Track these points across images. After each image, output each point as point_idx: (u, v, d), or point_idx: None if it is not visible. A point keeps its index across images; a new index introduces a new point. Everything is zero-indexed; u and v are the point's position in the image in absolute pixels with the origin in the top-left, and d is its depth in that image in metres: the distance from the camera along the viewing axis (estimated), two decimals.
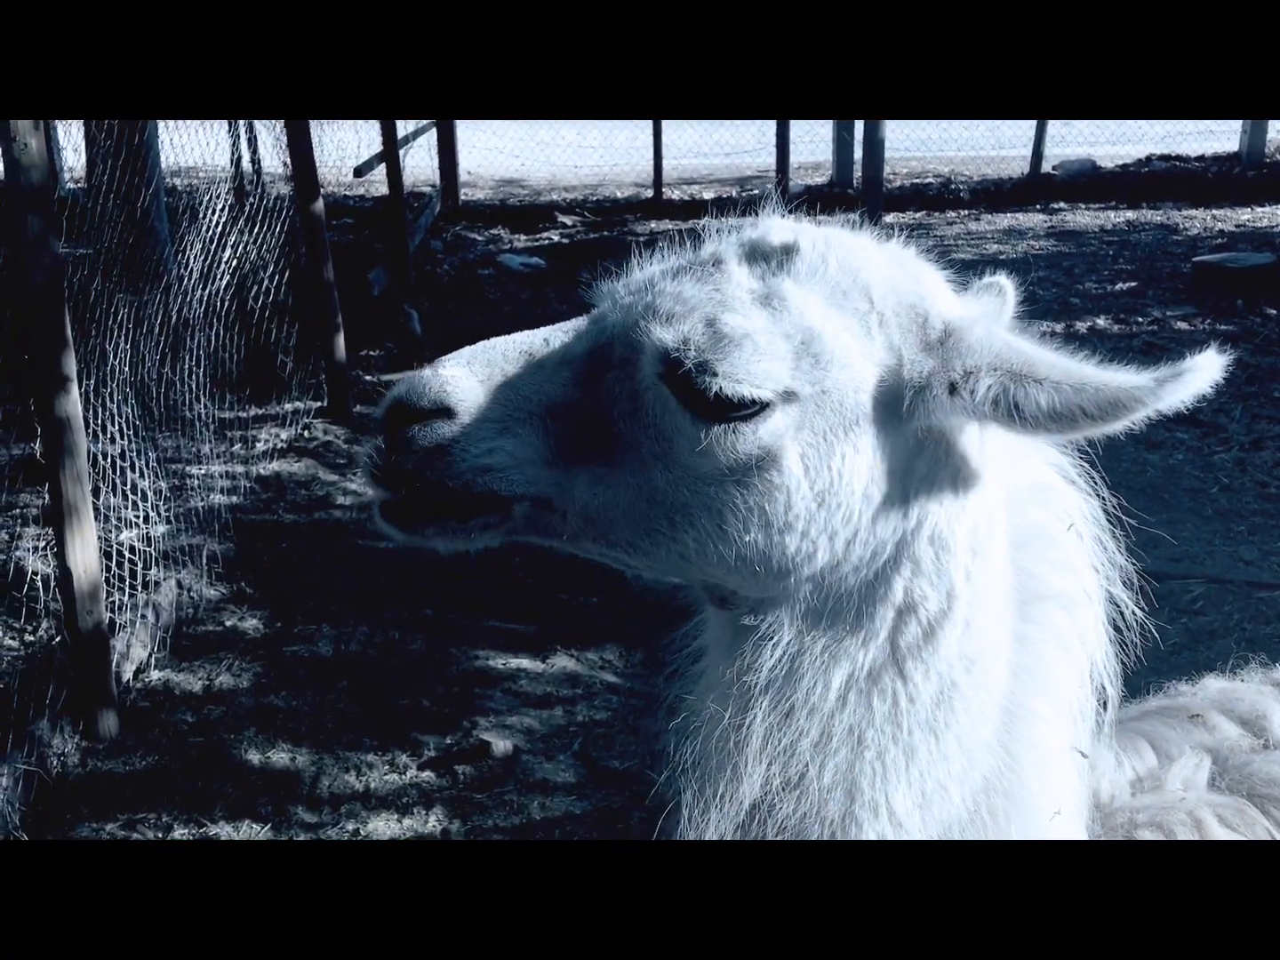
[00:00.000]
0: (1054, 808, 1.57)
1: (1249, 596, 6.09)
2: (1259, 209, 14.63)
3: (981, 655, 1.56)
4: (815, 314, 1.51)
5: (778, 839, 1.54)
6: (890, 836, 1.53)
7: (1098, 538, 1.65)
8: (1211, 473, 7.67)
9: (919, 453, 1.54)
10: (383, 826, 4.62)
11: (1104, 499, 1.66)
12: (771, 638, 1.56)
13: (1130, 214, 14.93)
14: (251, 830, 4.60)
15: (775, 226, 1.62)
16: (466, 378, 1.56)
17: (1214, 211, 14.68)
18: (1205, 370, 1.39)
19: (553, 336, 1.61)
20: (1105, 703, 1.65)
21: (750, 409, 1.48)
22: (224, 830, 4.61)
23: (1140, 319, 10.78)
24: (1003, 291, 1.85)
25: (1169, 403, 1.40)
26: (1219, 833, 1.70)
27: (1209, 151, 16.90)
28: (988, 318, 1.58)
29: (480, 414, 1.55)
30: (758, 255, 1.58)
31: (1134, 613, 1.64)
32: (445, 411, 1.55)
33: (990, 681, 1.57)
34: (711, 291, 1.54)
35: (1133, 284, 11.90)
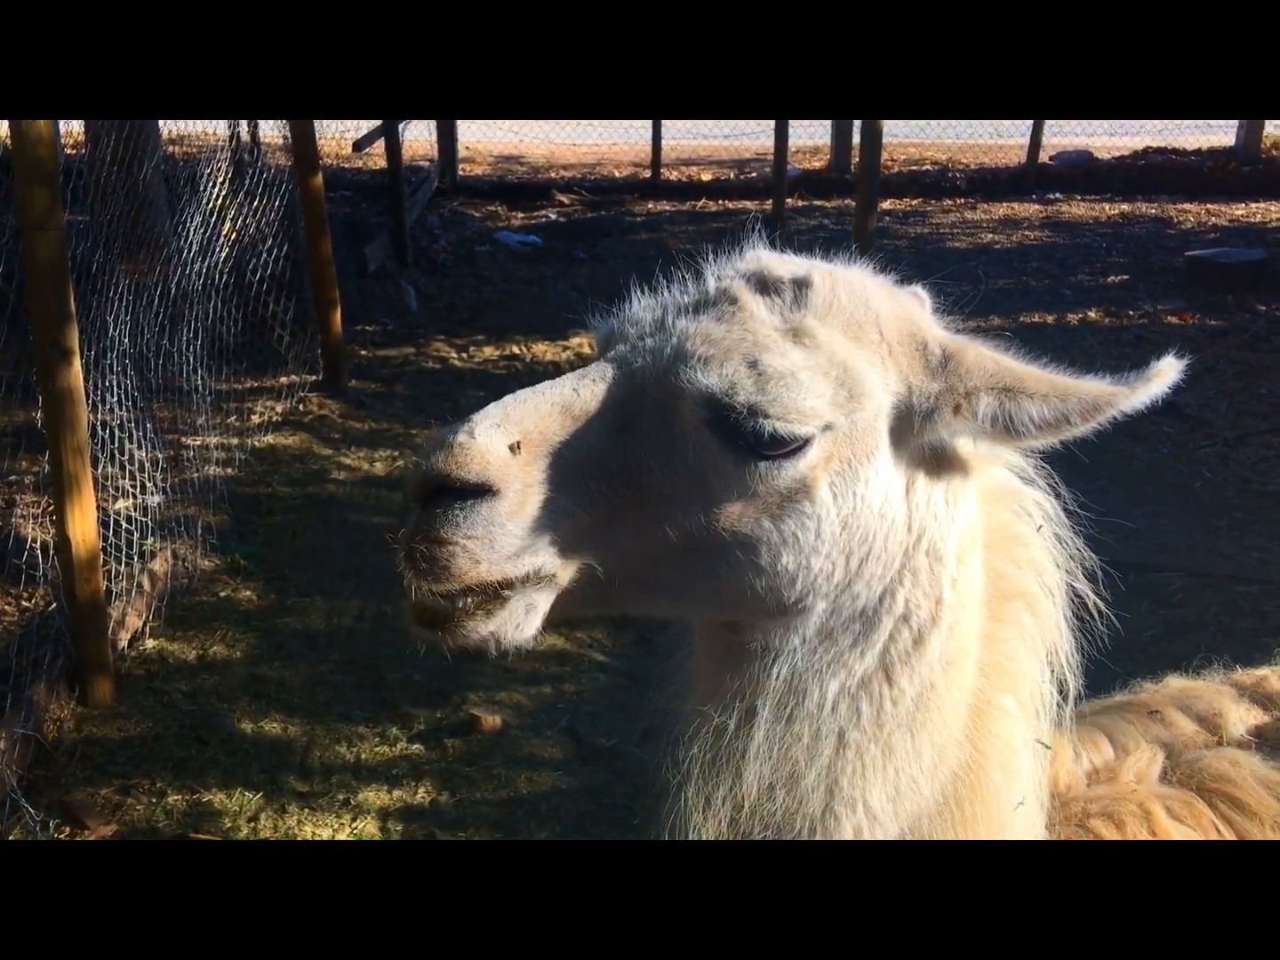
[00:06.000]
0: (1016, 799, 1.67)
1: (1228, 590, 6.21)
2: (1253, 204, 14.71)
3: (958, 657, 1.66)
4: (843, 348, 1.57)
5: (763, 836, 1.63)
6: (865, 828, 1.63)
7: (1059, 535, 1.75)
8: (1195, 467, 7.78)
9: (920, 470, 1.64)
10: (373, 797, 4.72)
11: (1063, 497, 1.76)
12: (780, 656, 1.62)
13: (1125, 206, 14.99)
14: (244, 798, 4.70)
15: (772, 260, 1.68)
16: (501, 443, 1.51)
17: (1208, 206, 14.75)
18: (1167, 373, 1.57)
19: (581, 386, 1.59)
20: (1066, 695, 1.76)
21: (793, 445, 1.53)
22: (217, 797, 4.71)
23: (1131, 312, 10.87)
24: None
25: (1138, 404, 1.56)
26: (1167, 824, 1.80)
27: (1205, 145, 16.95)
28: (972, 340, 1.67)
29: (523, 488, 1.51)
30: (769, 290, 1.62)
31: (1096, 604, 1.74)
32: (487, 490, 1.50)
33: (962, 681, 1.67)
34: (741, 331, 1.56)
35: (1125, 277, 11.98)
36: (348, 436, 8.39)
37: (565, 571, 1.56)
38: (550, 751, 5.02)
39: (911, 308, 1.70)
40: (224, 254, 7.98)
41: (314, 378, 9.05)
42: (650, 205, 15.61)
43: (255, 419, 8.26)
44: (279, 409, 8.52)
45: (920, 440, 1.62)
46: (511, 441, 1.52)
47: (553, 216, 15.01)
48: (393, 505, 7.31)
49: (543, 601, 1.57)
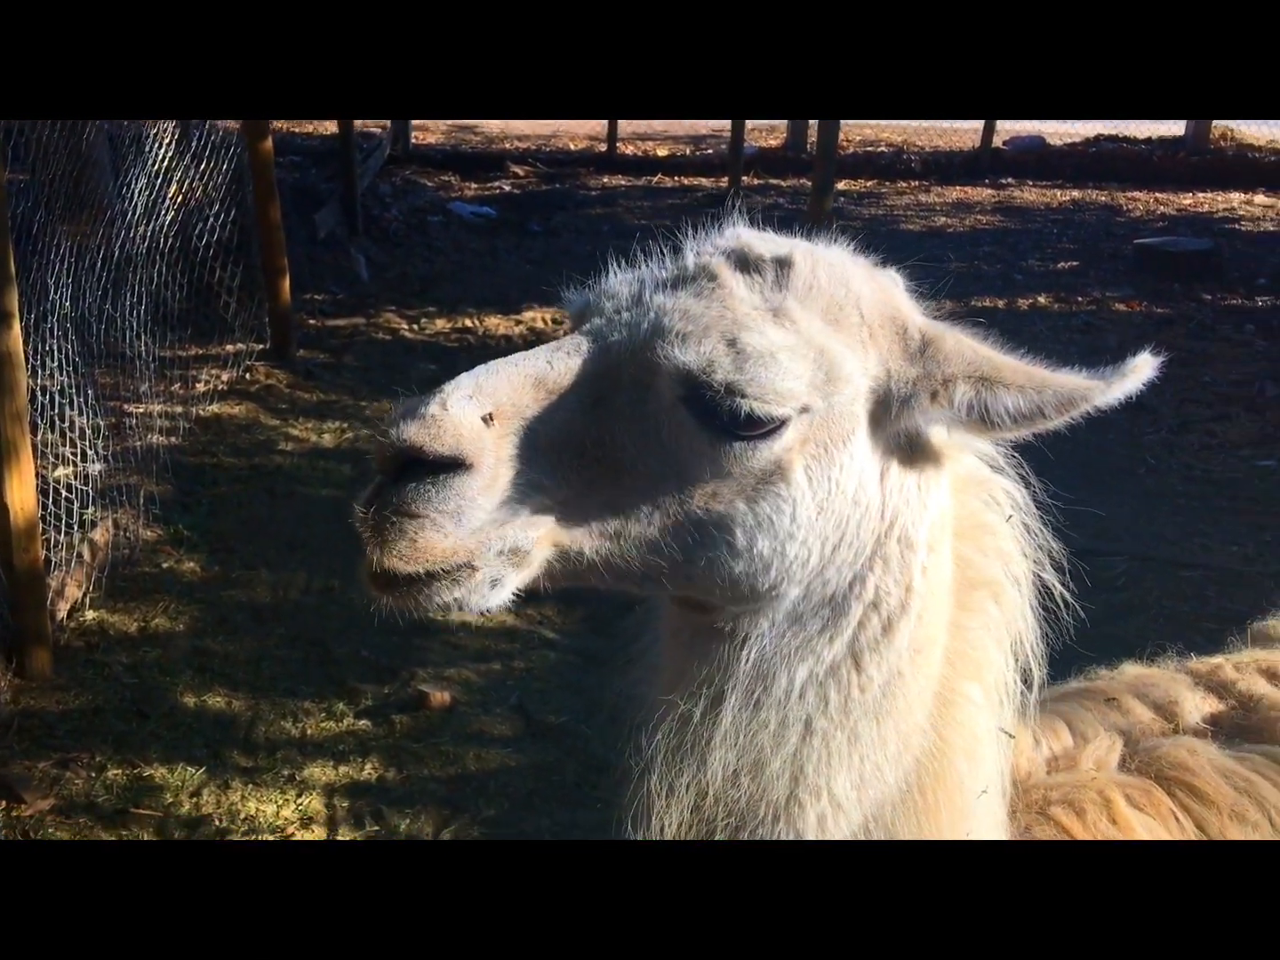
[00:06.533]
0: (980, 787, 1.67)
1: (1171, 575, 6.30)
2: (1200, 194, 14.90)
3: (926, 645, 1.65)
4: (822, 331, 1.55)
5: (726, 824, 1.62)
6: (829, 816, 1.62)
7: (1026, 524, 1.74)
8: (1140, 453, 7.89)
9: (894, 457, 1.62)
10: (318, 773, 4.67)
11: (1033, 485, 1.76)
12: (749, 640, 1.60)
13: (1076, 193, 15.12)
14: (186, 773, 4.62)
15: (753, 238, 1.65)
16: (475, 415, 1.46)
17: (1157, 195, 14.92)
18: (1143, 370, 1.56)
19: (555, 359, 1.55)
20: (1031, 683, 1.75)
21: (769, 426, 1.50)
22: (158, 772, 4.62)
23: (1080, 298, 10.97)
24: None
25: (1112, 399, 1.56)
26: (1126, 812, 1.81)
27: (1155, 135, 17.14)
28: (950, 327, 1.66)
29: (495, 462, 1.47)
30: (749, 268, 1.59)
31: (1062, 594, 1.74)
32: (460, 464, 1.45)
33: (929, 669, 1.66)
34: (720, 309, 1.54)
35: (1075, 263, 12.09)
36: (295, 407, 8.26)
37: (540, 550, 1.52)
38: (499, 728, 4.99)
39: (892, 291, 1.68)
40: (169, 217, 7.79)
41: (261, 346, 8.89)
42: (605, 179, 15.50)
43: (200, 387, 8.10)
44: (224, 377, 8.36)
45: (896, 426, 1.60)
46: (484, 413, 1.47)
47: (507, 188, 14.85)
48: (341, 478, 7.22)
49: (511, 578, 1.53)
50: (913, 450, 1.62)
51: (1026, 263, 12.19)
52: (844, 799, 1.62)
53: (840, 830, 1.62)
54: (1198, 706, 2.11)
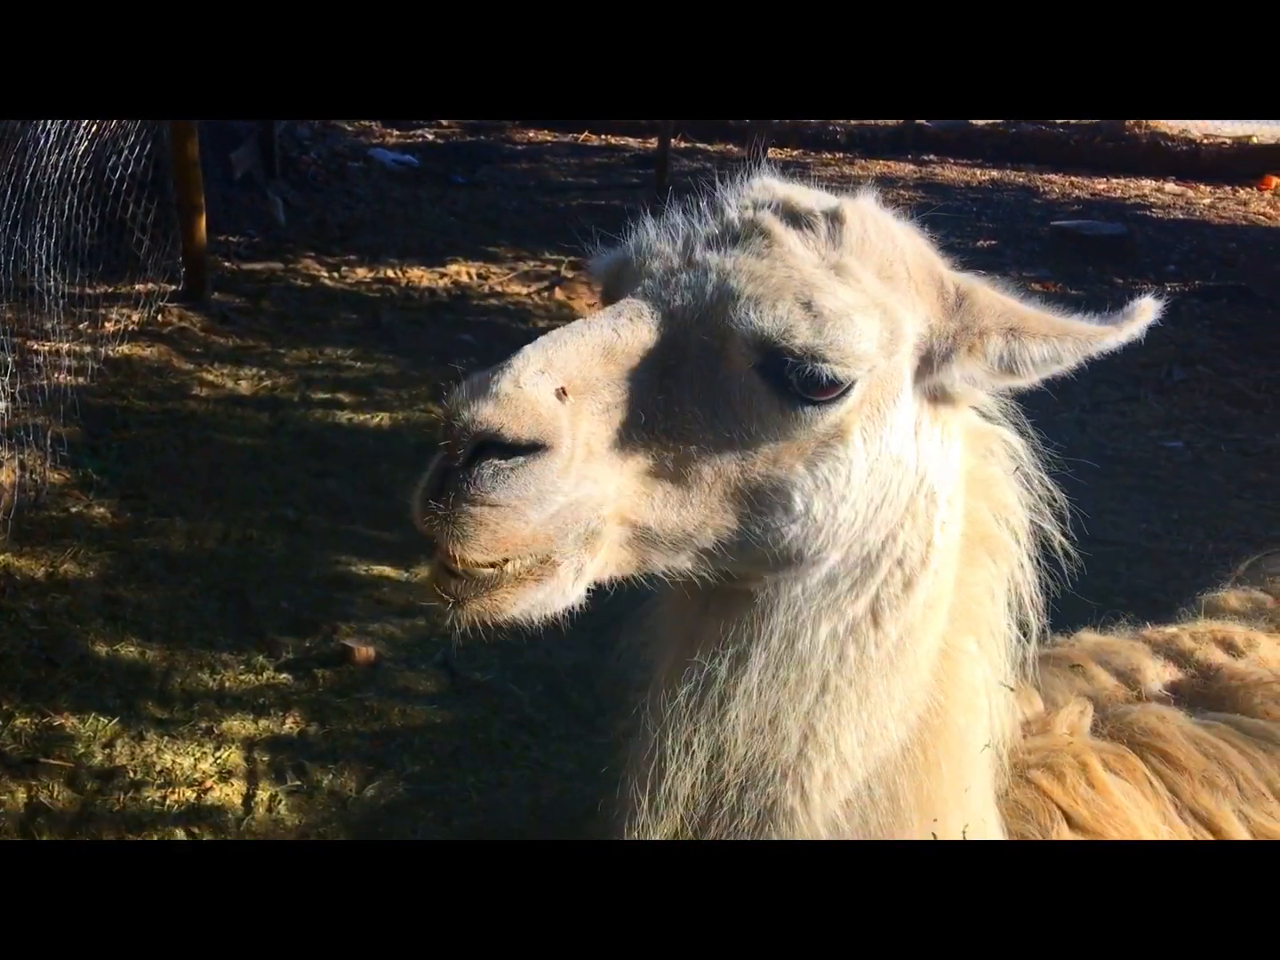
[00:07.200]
0: (980, 741, 1.69)
1: (1081, 550, 6.46)
2: (1114, 180, 15.24)
3: (937, 600, 1.66)
4: (881, 288, 1.52)
5: (738, 784, 1.61)
6: (834, 774, 1.62)
7: (1026, 475, 1.76)
8: (1054, 431, 8.02)
9: (924, 412, 1.62)
10: (237, 726, 4.56)
11: (1030, 436, 1.77)
12: (780, 601, 1.59)
13: (995, 173, 15.34)
14: (99, 723, 4.48)
15: (792, 191, 1.62)
16: (548, 391, 1.38)
17: (1073, 178, 15.22)
18: (1147, 313, 1.65)
19: (620, 327, 1.48)
20: (1029, 634, 1.78)
21: (841, 389, 1.47)
22: (69, 721, 4.48)
23: (998, 277, 11.03)
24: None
25: (1123, 341, 1.62)
26: (1104, 776, 1.85)
27: (1074, 119, 17.45)
28: (972, 277, 1.66)
29: (573, 442, 1.39)
30: (800, 223, 1.55)
31: (1061, 543, 1.76)
32: (539, 446, 1.37)
33: (937, 625, 1.67)
34: (785, 269, 1.49)
35: (993, 242, 12.26)
36: (210, 351, 8.01)
37: (609, 529, 1.46)
38: (425, 685, 4.92)
39: (924, 244, 1.67)
40: (83, 147, 7.45)
41: (174, 287, 8.58)
42: (531, 134, 15.30)
43: (109, 327, 7.81)
44: (135, 318, 8.07)
45: (934, 381, 1.60)
46: (556, 388, 1.40)
47: (429, 137, 14.57)
48: (259, 426, 7.02)
49: (589, 566, 1.46)
50: (937, 404, 1.62)
51: (946, 240, 12.31)
52: (850, 756, 1.62)
53: (844, 788, 1.63)
54: (1159, 674, 2.16)
